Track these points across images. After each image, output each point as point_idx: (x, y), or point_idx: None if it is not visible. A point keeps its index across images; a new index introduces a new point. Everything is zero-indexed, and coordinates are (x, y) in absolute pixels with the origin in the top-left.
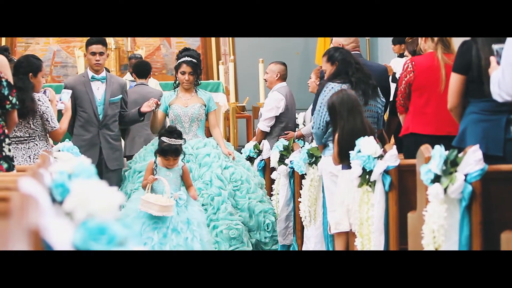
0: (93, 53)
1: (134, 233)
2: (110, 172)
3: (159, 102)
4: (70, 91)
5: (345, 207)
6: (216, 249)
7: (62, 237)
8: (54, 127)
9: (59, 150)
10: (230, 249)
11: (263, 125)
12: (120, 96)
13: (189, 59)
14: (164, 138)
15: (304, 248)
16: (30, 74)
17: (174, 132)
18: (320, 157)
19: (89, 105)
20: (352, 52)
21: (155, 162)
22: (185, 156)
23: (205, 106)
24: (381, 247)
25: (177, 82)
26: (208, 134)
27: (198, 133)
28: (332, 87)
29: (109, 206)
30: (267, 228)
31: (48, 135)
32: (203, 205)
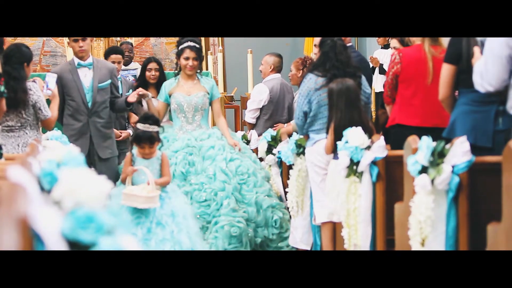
0: (76, 40)
1: (122, 222)
2: (103, 161)
3: (140, 92)
4: (55, 75)
5: (340, 197)
6: (212, 244)
7: (50, 226)
8: (47, 115)
9: (48, 139)
10: (228, 247)
11: (247, 116)
12: (109, 81)
13: (192, 44)
14: (138, 125)
15: (291, 238)
16: (25, 63)
17: (150, 118)
18: None
19: (77, 93)
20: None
21: (132, 153)
22: (162, 145)
23: (209, 94)
24: (368, 238)
25: (179, 69)
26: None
27: (201, 123)
28: (310, 78)
29: (98, 194)
30: (275, 224)
31: (39, 123)
32: (205, 200)
